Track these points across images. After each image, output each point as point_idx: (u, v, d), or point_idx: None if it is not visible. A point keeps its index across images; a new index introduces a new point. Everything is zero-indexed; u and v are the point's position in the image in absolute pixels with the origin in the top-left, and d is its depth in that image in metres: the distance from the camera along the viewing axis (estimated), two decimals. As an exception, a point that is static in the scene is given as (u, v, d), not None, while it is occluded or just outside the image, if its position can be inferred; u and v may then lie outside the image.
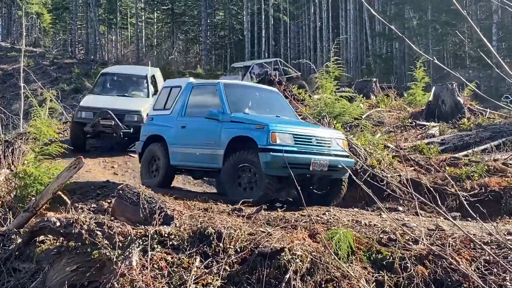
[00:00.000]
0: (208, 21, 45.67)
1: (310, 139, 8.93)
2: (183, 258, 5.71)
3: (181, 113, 10.31)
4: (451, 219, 4.00)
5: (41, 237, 6.71)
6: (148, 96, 16.15)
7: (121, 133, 14.75)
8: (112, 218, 6.58)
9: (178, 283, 5.48)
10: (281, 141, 8.50)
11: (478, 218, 4.33)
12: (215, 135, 9.33)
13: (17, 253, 6.65)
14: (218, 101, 9.70)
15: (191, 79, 11.07)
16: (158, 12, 53.52)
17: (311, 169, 8.60)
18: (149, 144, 10.69)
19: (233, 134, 8.98)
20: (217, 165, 9.21)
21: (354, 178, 4.70)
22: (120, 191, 6.87)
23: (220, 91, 9.83)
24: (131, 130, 14.54)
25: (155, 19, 54.65)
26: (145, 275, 5.47)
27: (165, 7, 50.84)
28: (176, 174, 10.76)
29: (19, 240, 6.76)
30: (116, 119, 14.57)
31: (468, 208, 4.05)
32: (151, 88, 16.48)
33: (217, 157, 9.18)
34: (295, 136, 8.75)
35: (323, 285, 5.44)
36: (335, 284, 5.44)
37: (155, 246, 5.82)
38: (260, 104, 10.43)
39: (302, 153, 8.64)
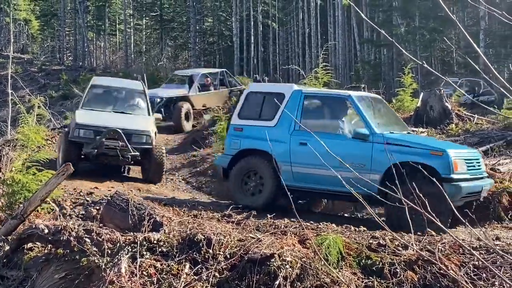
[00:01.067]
0: (197, 27, 45.64)
1: (472, 162, 8.62)
2: (172, 265, 5.68)
3: (294, 127, 9.36)
4: (440, 224, 4.00)
5: (29, 245, 6.68)
6: (149, 114, 14.28)
7: (129, 156, 12.65)
8: (100, 225, 6.54)
9: (168, 290, 5.45)
10: (461, 169, 8.04)
11: (467, 223, 4.34)
12: (363, 158, 8.63)
13: (5, 260, 6.62)
14: (355, 117, 8.89)
15: (295, 86, 10.01)
16: (147, 18, 53.44)
17: (481, 195, 8.14)
18: (239, 158, 9.67)
19: (398, 159, 7.78)
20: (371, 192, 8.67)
21: (345, 184, 4.69)
22: (109, 198, 6.84)
23: (357, 106, 9.08)
24: (138, 153, 12.77)
25: (144, 26, 54.53)
26: (134, 282, 5.44)
27: (154, 14, 50.78)
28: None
29: (7, 248, 6.72)
30: (126, 140, 12.52)
31: (457, 213, 4.06)
32: (149, 105, 14.65)
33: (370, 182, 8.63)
34: (466, 161, 8.39)
35: (313, 291, 5.43)
36: (325, 290, 5.43)
37: (144, 253, 5.78)
38: (384, 117, 9.77)
39: (474, 180, 8.21)
